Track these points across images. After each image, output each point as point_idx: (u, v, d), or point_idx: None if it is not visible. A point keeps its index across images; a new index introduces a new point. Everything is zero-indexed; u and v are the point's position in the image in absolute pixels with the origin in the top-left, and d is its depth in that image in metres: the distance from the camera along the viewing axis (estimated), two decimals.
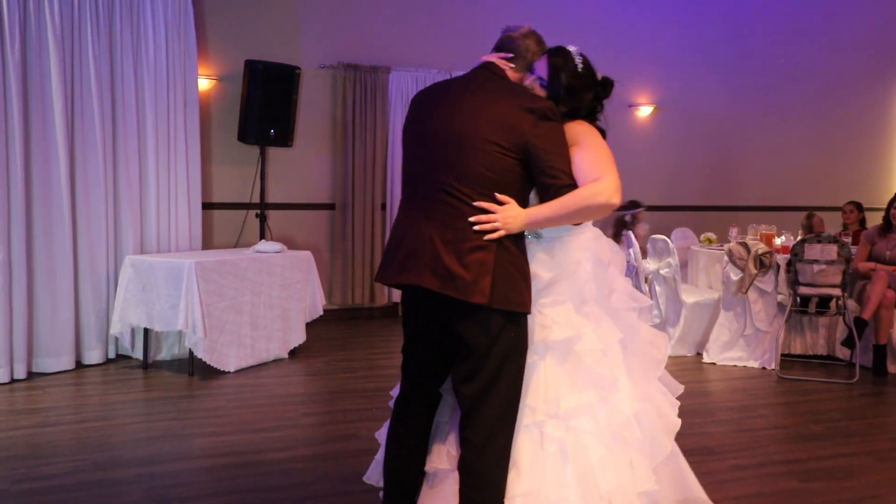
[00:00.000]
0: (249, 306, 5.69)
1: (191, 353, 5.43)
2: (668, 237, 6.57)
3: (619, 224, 6.32)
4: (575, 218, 2.37)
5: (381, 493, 2.75)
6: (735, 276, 5.95)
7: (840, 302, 5.73)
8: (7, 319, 5.18)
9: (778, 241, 6.37)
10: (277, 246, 6.09)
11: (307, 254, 6.27)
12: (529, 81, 2.56)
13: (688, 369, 5.92)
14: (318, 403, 5.00)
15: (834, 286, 5.64)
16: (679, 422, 2.62)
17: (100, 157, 5.66)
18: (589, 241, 2.53)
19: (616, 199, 2.31)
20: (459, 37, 7.62)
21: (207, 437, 4.22)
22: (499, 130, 2.34)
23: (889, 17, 9.79)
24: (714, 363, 6.05)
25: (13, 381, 5.22)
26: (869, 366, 5.87)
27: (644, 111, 8.88)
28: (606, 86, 2.57)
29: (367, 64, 7.54)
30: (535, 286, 2.45)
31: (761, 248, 5.92)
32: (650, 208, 8.92)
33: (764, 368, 5.91)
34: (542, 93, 2.52)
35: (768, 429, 4.53)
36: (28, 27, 5.32)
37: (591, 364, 2.41)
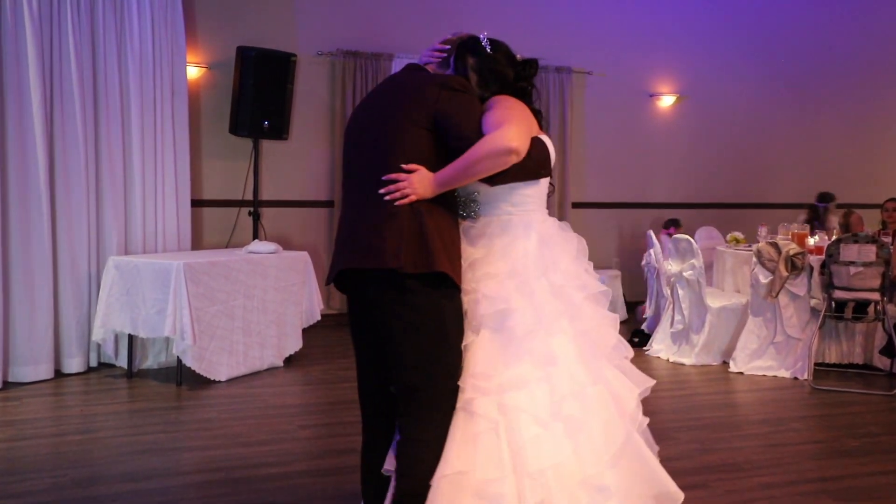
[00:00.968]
0: (242, 311, 5.69)
1: (179, 361, 5.43)
2: (692, 237, 6.56)
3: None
4: (479, 169, 2.46)
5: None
6: (764, 278, 5.93)
7: (879, 307, 5.71)
8: None
9: (811, 241, 6.35)
10: (272, 246, 6.10)
11: (304, 254, 6.28)
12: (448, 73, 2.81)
13: (713, 379, 5.90)
14: (315, 415, 5.00)
15: (872, 290, 5.62)
16: (638, 410, 2.61)
17: (81, 151, 5.67)
18: (533, 221, 2.64)
19: (515, 143, 2.41)
20: (466, 21, 7.62)
21: (197, 451, 4.21)
22: (407, 103, 2.55)
23: None
24: (741, 373, 6.04)
25: None
26: None
27: (665, 101, 8.87)
28: (527, 66, 2.74)
29: (367, 51, 7.55)
30: (467, 262, 2.59)
31: (793, 248, 5.90)
32: (671, 205, 8.94)
33: (796, 379, 5.89)
34: (473, 76, 2.76)
35: (800, 444, 4.50)
36: (3, 12, 5.34)
37: (523, 338, 2.47)
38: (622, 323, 7.86)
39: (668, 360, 6.42)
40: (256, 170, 7.17)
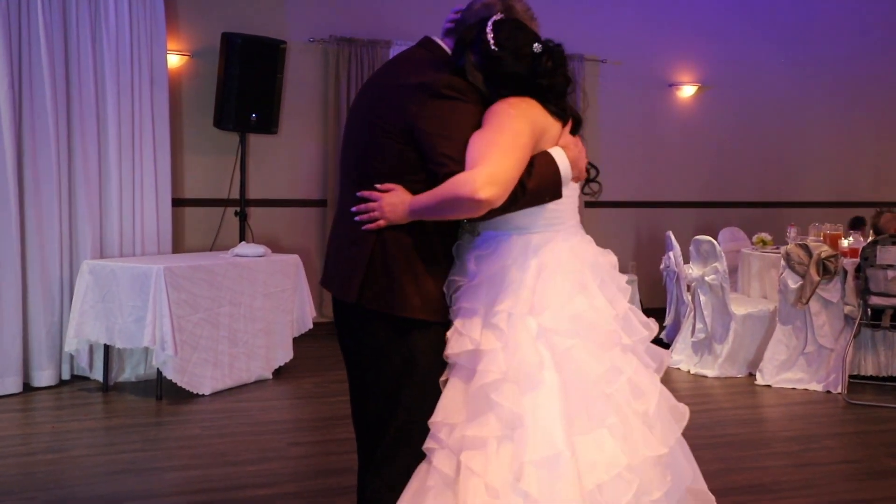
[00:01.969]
0: (227, 319, 5.68)
1: (159, 373, 5.42)
2: (715, 238, 6.54)
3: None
4: (444, 211, 2.27)
5: None
6: (794, 283, 5.92)
7: None
8: None
9: (845, 243, 6.33)
10: (260, 249, 6.09)
11: (294, 258, 6.27)
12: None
13: (738, 393, 5.89)
14: (307, 432, 4.99)
15: None
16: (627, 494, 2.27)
17: (52, 146, 5.67)
18: (541, 244, 2.40)
19: (483, 195, 2.15)
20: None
21: (179, 471, 4.20)
22: (383, 108, 2.41)
23: None
24: (769, 385, 6.02)
25: None
26: None
27: (686, 91, 8.86)
28: (544, 58, 2.40)
29: (363, 37, 7.55)
30: (455, 286, 2.42)
31: (825, 251, 5.88)
32: (692, 204, 8.93)
33: (828, 392, 5.87)
34: (477, 75, 2.42)
35: (834, 463, 4.48)
36: None
37: (490, 387, 2.28)
38: None
39: (688, 371, 6.41)
40: (243, 166, 7.17)
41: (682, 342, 6.61)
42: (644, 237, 8.78)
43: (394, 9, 7.75)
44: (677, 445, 2.46)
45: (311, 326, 6.37)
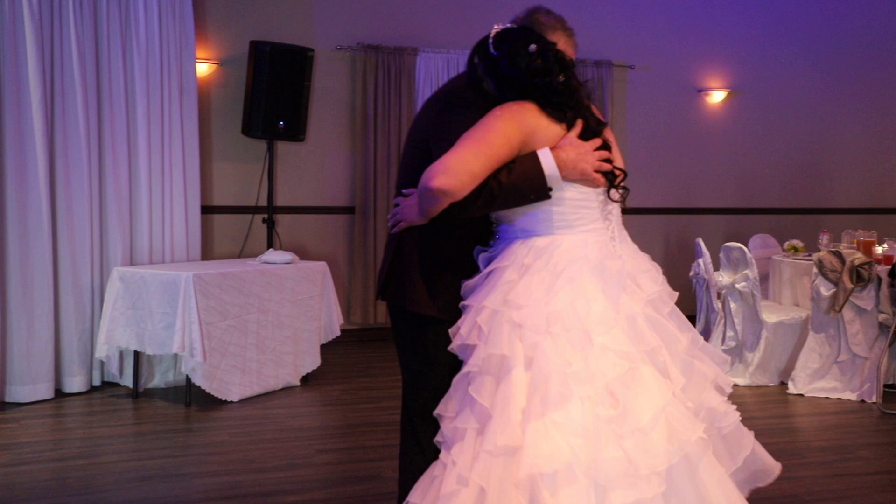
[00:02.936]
0: (256, 326, 5.71)
1: (188, 380, 5.46)
2: (746, 245, 6.49)
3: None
4: (423, 203, 2.44)
5: None
6: (826, 291, 5.86)
7: None
8: None
9: (879, 250, 6.27)
10: (288, 256, 6.12)
11: (322, 265, 6.29)
12: None
13: (770, 402, 5.84)
14: (334, 439, 5.00)
15: None
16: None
17: (83, 155, 5.73)
18: (544, 247, 2.46)
19: (434, 183, 2.30)
20: (497, 12, 7.61)
21: (207, 477, 4.23)
22: (417, 126, 2.68)
23: None
24: (802, 395, 5.96)
25: None
26: None
27: (716, 97, 8.81)
28: (536, 57, 2.47)
29: (390, 45, 7.57)
30: (462, 290, 2.57)
31: (858, 257, 5.83)
32: (722, 210, 8.87)
33: (863, 402, 5.81)
34: (487, 80, 2.59)
35: (869, 474, 4.43)
36: (0, 6, 5.41)
37: (467, 384, 2.41)
38: None
39: None
40: (271, 174, 7.21)
41: None
42: (673, 244, 8.73)
43: (420, 16, 7.78)
44: (703, 474, 2.37)
45: (338, 333, 6.38)
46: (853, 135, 9.30)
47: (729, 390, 2.59)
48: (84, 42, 5.75)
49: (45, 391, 5.58)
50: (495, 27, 2.56)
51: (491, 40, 2.53)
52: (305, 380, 6.14)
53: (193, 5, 6.35)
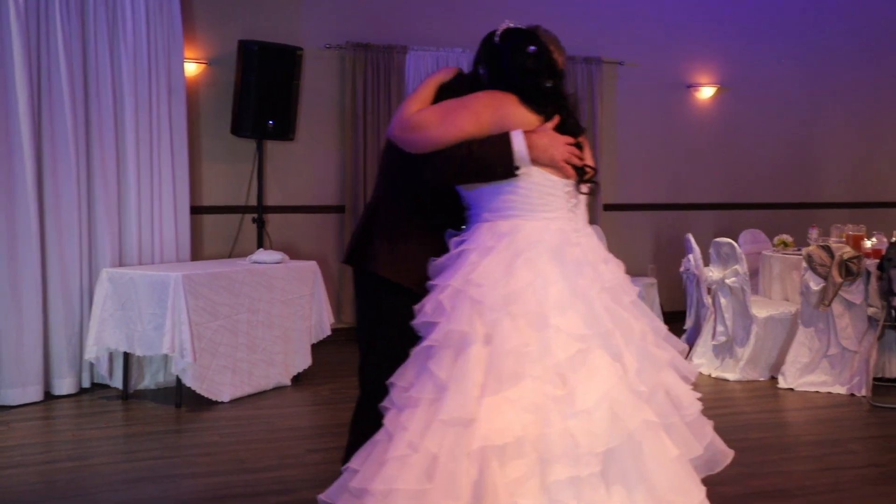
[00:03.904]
0: (246, 326, 5.70)
1: (178, 380, 5.44)
2: (735, 241, 6.50)
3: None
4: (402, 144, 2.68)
5: None
6: (816, 285, 5.87)
7: None
8: None
9: (867, 244, 6.29)
10: (278, 255, 6.11)
11: (312, 264, 6.28)
12: None
13: (760, 396, 5.85)
14: (325, 438, 4.98)
15: None
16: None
17: (71, 155, 5.71)
18: (506, 230, 2.57)
19: (395, 132, 2.62)
20: (487, 10, 7.61)
21: (198, 478, 4.22)
22: None
23: None
24: (792, 389, 5.98)
25: None
26: None
27: (705, 93, 8.81)
28: (528, 57, 2.68)
29: (379, 43, 7.55)
30: (430, 269, 2.67)
31: (847, 252, 5.84)
32: (712, 206, 8.88)
33: (853, 395, 5.82)
34: (482, 67, 2.84)
35: (859, 467, 4.44)
36: None
37: (427, 357, 2.50)
38: None
39: (710, 375, 6.37)
40: (260, 173, 7.19)
41: (703, 345, 6.57)
42: (663, 240, 8.73)
43: (410, 14, 7.76)
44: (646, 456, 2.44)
45: (329, 333, 6.37)
46: (841, 130, 9.32)
47: (693, 378, 2.67)
48: (71, 42, 5.73)
49: (34, 393, 5.55)
50: (507, 22, 2.75)
51: (499, 32, 2.73)
52: (296, 379, 6.13)
53: (181, 5, 6.32)
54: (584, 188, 2.70)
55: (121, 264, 5.96)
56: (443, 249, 2.68)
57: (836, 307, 5.86)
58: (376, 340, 2.80)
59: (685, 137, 8.80)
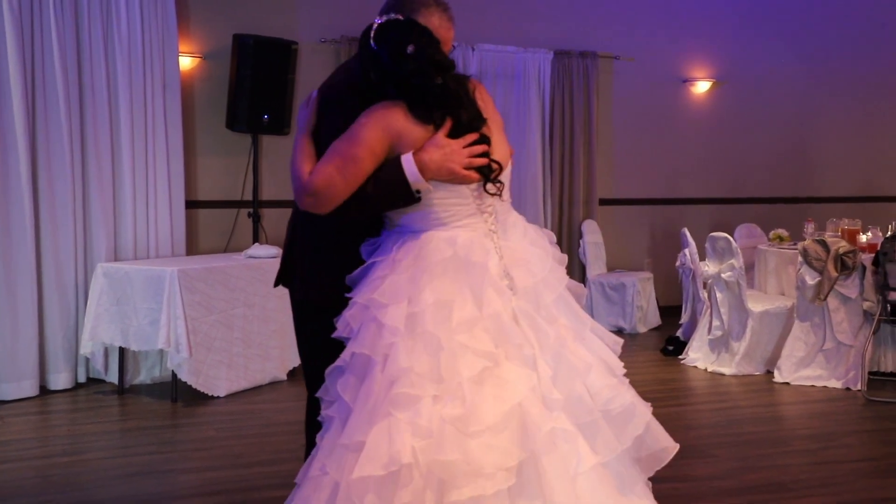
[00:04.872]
0: (242, 321, 5.70)
1: (174, 375, 5.44)
2: (731, 235, 6.50)
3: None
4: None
5: None
6: (812, 279, 5.88)
7: None
8: None
9: (863, 238, 6.29)
10: (273, 250, 6.10)
11: None
12: None
13: (756, 390, 5.85)
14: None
15: None
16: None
17: (66, 150, 5.69)
18: (415, 243, 2.48)
19: (303, 202, 2.46)
20: (481, 4, 7.58)
21: (194, 472, 4.22)
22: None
23: None
24: (787, 383, 5.98)
25: None
26: None
27: (700, 87, 8.82)
28: (409, 59, 2.46)
29: None
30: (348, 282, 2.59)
31: (843, 246, 5.85)
32: (707, 201, 8.88)
33: (848, 389, 5.83)
34: (368, 72, 2.61)
35: (854, 461, 4.45)
36: None
37: (332, 379, 2.51)
38: (654, 329, 7.83)
39: (705, 369, 6.37)
40: (256, 168, 7.18)
41: (699, 340, 6.58)
42: (659, 234, 8.74)
43: None
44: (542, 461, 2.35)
45: None
46: (837, 124, 9.33)
47: (620, 372, 2.54)
48: (65, 37, 5.71)
49: (29, 388, 5.55)
50: (376, 20, 2.52)
51: (373, 34, 2.49)
52: (292, 374, 6.13)
53: None
54: (491, 188, 2.52)
55: (116, 259, 5.96)
56: (360, 261, 2.58)
57: (832, 301, 5.87)
58: (306, 361, 2.87)
59: (681, 132, 8.81)
